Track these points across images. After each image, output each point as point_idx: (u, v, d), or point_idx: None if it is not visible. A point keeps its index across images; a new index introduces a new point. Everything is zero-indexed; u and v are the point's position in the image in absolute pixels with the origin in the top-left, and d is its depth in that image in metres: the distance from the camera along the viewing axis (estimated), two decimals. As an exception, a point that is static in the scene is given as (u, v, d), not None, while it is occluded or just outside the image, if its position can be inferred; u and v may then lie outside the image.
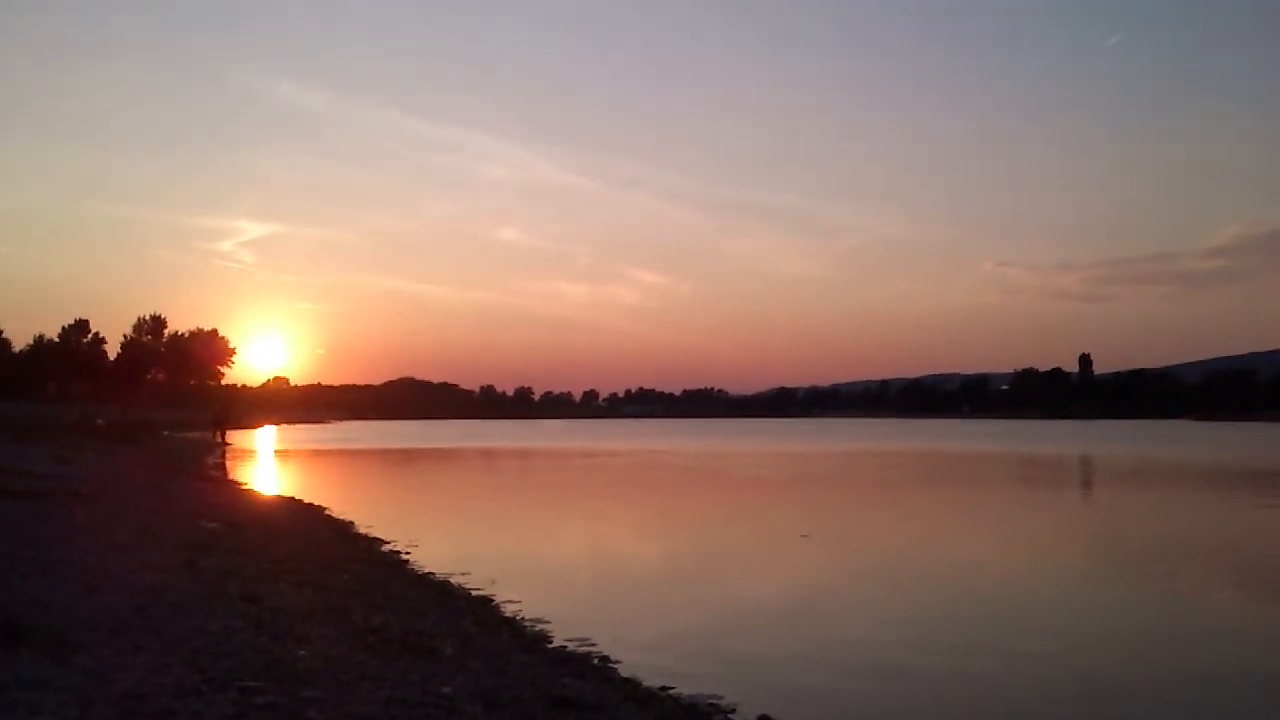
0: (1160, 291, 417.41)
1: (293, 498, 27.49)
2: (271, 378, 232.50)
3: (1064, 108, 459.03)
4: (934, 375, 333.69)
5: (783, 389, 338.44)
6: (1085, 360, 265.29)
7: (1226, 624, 12.60)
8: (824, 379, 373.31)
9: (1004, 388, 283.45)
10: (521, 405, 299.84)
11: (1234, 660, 10.65)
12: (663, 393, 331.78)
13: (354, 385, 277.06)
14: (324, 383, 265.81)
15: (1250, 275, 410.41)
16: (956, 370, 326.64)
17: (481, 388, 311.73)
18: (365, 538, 19.06)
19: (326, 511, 23.94)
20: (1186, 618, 12.86)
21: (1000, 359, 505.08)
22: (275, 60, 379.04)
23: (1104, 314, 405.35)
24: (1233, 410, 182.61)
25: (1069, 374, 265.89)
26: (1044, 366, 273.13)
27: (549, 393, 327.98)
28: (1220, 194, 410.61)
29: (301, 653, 7.84)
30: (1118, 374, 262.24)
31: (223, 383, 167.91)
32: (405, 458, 57.89)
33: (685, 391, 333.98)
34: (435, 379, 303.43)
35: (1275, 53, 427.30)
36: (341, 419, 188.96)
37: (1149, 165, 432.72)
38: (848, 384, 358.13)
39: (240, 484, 32.60)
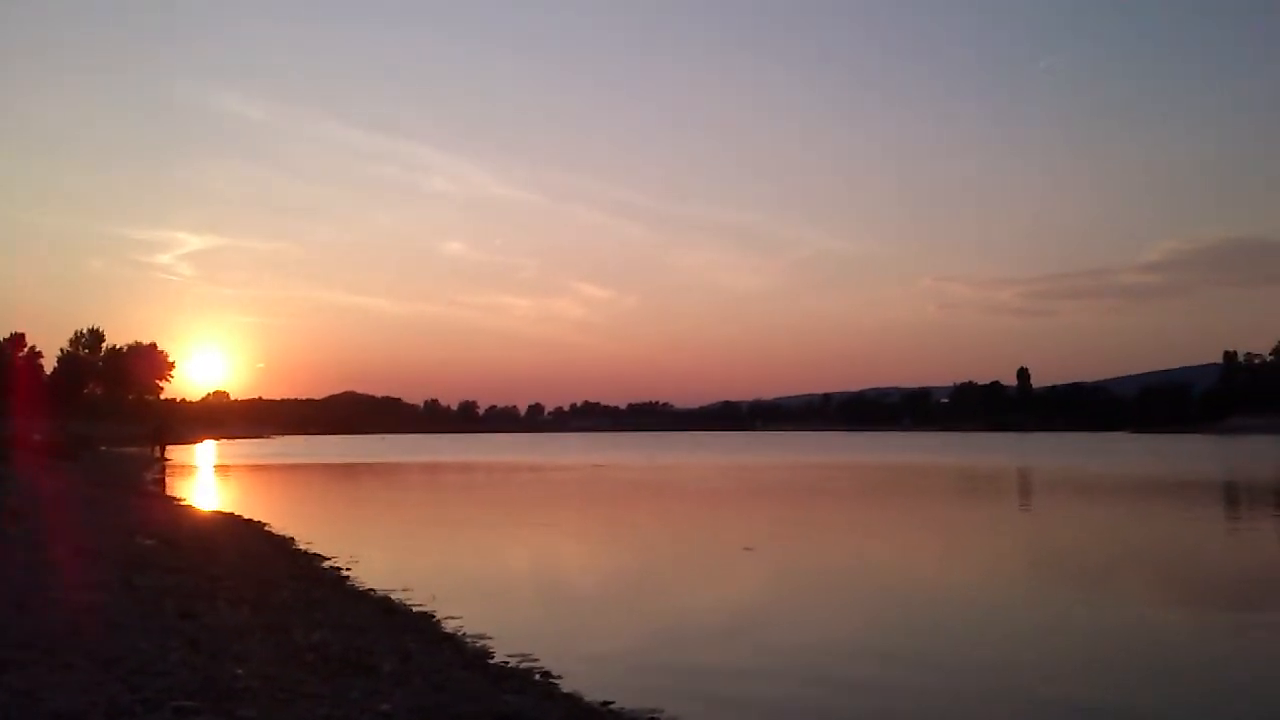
0: (1097, 306, 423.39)
1: (232, 514, 27.18)
2: (211, 392, 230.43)
3: (1002, 127, 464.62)
4: (876, 388, 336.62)
5: (727, 402, 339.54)
6: (1024, 374, 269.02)
7: (1155, 630, 12.83)
8: (768, 392, 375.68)
9: (944, 401, 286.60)
10: (466, 419, 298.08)
11: (1156, 663, 10.87)
12: (609, 406, 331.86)
13: (295, 399, 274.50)
14: (265, 397, 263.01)
15: (1185, 290, 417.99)
16: (898, 384, 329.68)
17: (426, 402, 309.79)
18: (305, 554, 18.90)
19: (266, 528, 23.70)
20: (1122, 627, 13.06)
21: (941, 372, 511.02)
22: (217, 72, 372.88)
23: (1042, 328, 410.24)
24: (1168, 423, 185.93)
25: (1008, 387, 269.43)
26: (983, 380, 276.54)
27: (494, 407, 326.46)
28: (1156, 210, 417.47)
29: (238, 671, 7.77)
30: (1055, 387, 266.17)
31: (162, 397, 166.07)
32: (347, 473, 57.38)
33: (631, 405, 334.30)
34: (378, 393, 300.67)
35: (1205, 74, 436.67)
36: (283, 434, 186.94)
37: (1086, 182, 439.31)
38: (791, 397, 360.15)
39: (179, 500, 32.16)
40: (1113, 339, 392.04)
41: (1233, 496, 36.47)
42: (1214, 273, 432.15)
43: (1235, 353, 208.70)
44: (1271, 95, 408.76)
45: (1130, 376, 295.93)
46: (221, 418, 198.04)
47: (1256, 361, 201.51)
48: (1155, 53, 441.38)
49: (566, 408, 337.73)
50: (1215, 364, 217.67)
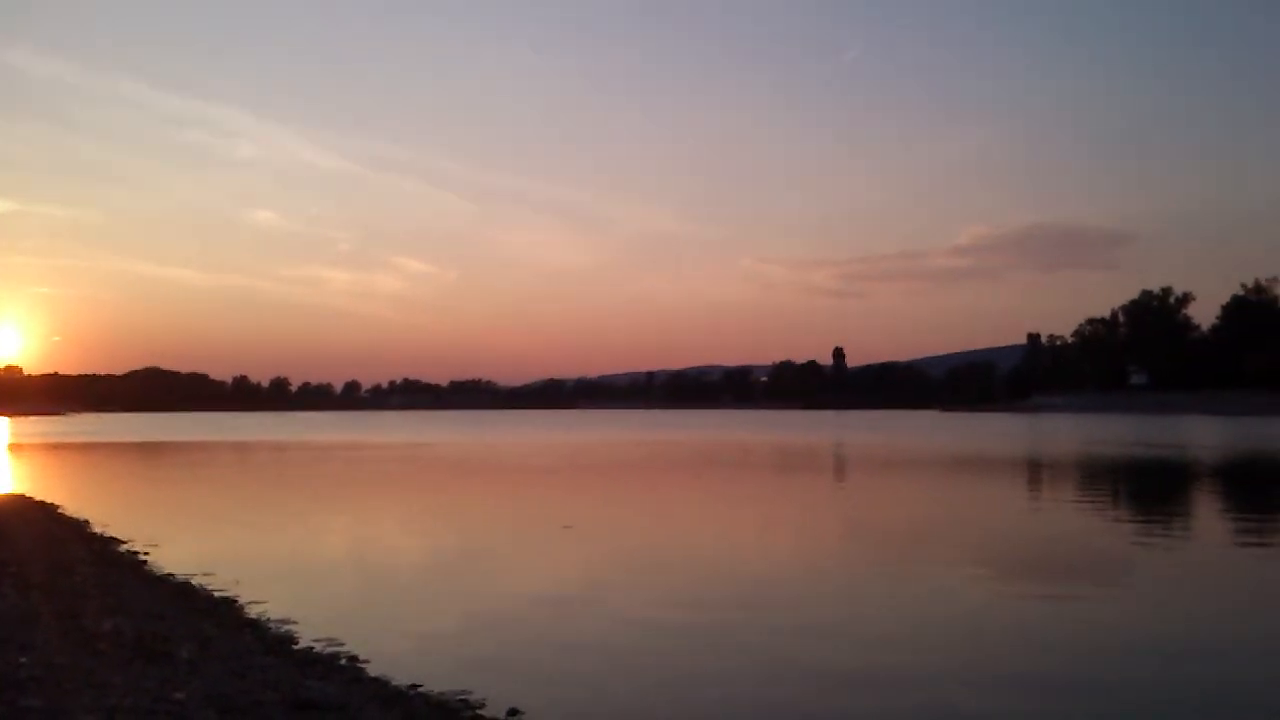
0: (909, 288, 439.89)
1: (23, 495, 26.00)
2: (3, 367, 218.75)
3: (818, 115, 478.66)
4: (698, 367, 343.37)
5: (551, 380, 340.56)
6: (839, 353, 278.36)
7: (961, 596, 13.45)
8: (592, 370, 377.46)
9: (764, 379, 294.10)
10: (278, 397, 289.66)
11: (963, 627, 11.40)
12: (429, 384, 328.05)
13: (94, 375, 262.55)
14: (61, 372, 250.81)
15: (993, 274, 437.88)
16: (719, 362, 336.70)
17: (234, 378, 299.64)
18: (100, 537, 18.16)
19: (59, 510, 22.71)
20: (935, 594, 13.63)
21: (760, 351, 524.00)
22: (7, 25, 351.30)
23: (856, 309, 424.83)
24: (974, 401, 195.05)
25: (824, 366, 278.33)
26: (801, 359, 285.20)
27: (308, 384, 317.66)
28: (966, 196, 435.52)
29: (23, 660, 7.47)
30: (869, 366, 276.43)
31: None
32: (149, 452, 55.21)
33: (453, 383, 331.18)
34: (183, 369, 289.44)
35: (1013, 66, 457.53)
36: (81, 411, 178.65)
37: (898, 168, 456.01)
38: (615, 375, 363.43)
39: (-36, 482, 30.46)
40: (923, 320, 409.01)
41: (1033, 470, 38.62)
42: (1020, 257, 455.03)
43: (1038, 334, 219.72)
44: (1076, 87, 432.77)
45: (940, 356, 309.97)
46: (14, 394, 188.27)
47: (1058, 343, 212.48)
48: (963, 44, 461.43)
49: (385, 385, 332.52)
50: (1020, 345, 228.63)
